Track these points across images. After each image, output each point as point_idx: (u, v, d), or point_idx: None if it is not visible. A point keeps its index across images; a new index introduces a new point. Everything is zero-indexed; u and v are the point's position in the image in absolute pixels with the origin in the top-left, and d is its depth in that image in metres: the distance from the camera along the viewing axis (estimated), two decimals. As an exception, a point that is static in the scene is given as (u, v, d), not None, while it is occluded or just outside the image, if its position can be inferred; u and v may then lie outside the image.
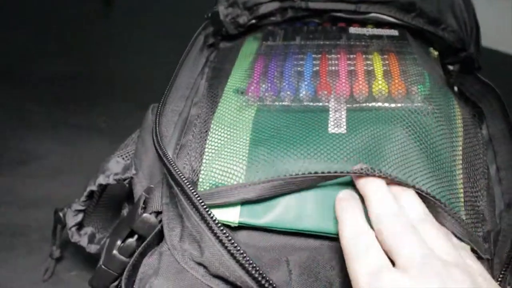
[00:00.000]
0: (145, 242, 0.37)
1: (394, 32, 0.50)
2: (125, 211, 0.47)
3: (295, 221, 0.35)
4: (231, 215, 0.36)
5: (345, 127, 0.39)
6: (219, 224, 0.33)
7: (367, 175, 0.33)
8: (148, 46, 1.05)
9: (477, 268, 0.30)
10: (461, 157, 0.40)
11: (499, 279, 0.35)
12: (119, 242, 0.39)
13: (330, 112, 0.40)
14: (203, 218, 0.33)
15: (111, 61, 1.01)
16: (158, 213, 0.38)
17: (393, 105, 0.40)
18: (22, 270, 0.57)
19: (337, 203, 0.34)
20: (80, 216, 0.47)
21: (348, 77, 0.43)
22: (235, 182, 0.36)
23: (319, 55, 0.46)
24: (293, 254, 0.36)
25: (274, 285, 0.31)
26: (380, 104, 0.41)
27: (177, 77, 0.47)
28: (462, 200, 0.37)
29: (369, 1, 0.50)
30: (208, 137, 0.41)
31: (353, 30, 0.51)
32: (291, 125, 0.40)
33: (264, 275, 0.32)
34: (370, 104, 0.41)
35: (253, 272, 0.32)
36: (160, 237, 0.38)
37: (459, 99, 0.46)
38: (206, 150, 0.40)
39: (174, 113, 0.45)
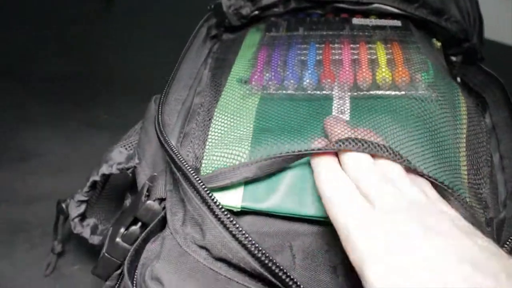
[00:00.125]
0: (148, 228, 0.37)
1: (397, 23, 0.50)
2: (127, 202, 0.47)
3: (298, 206, 0.35)
4: (233, 199, 0.35)
5: (348, 114, 0.39)
6: (220, 206, 0.33)
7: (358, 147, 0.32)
8: (148, 46, 1.05)
9: (452, 213, 0.30)
10: (465, 145, 0.39)
11: None
12: (122, 230, 0.39)
13: (334, 100, 0.40)
14: (204, 201, 0.33)
15: (111, 61, 1.01)
16: (161, 200, 0.38)
17: (397, 92, 0.40)
18: (23, 265, 0.57)
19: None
20: (83, 207, 0.47)
21: (352, 66, 0.43)
22: (237, 163, 0.36)
23: (323, 45, 0.46)
24: (297, 239, 0.36)
25: (278, 264, 0.31)
26: (383, 92, 0.41)
27: (180, 68, 0.47)
28: (466, 185, 0.37)
29: None
30: (212, 124, 0.40)
31: (356, 21, 0.51)
32: (294, 113, 0.40)
33: (267, 254, 0.31)
34: (373, 92, 0.41)
35: (256, 252, 0.31)
36: (163, 223, 0.37)
37: (462, 89, 0.46)
38: (209, 137, 0.39)
39: (177, 102, 0.45)
